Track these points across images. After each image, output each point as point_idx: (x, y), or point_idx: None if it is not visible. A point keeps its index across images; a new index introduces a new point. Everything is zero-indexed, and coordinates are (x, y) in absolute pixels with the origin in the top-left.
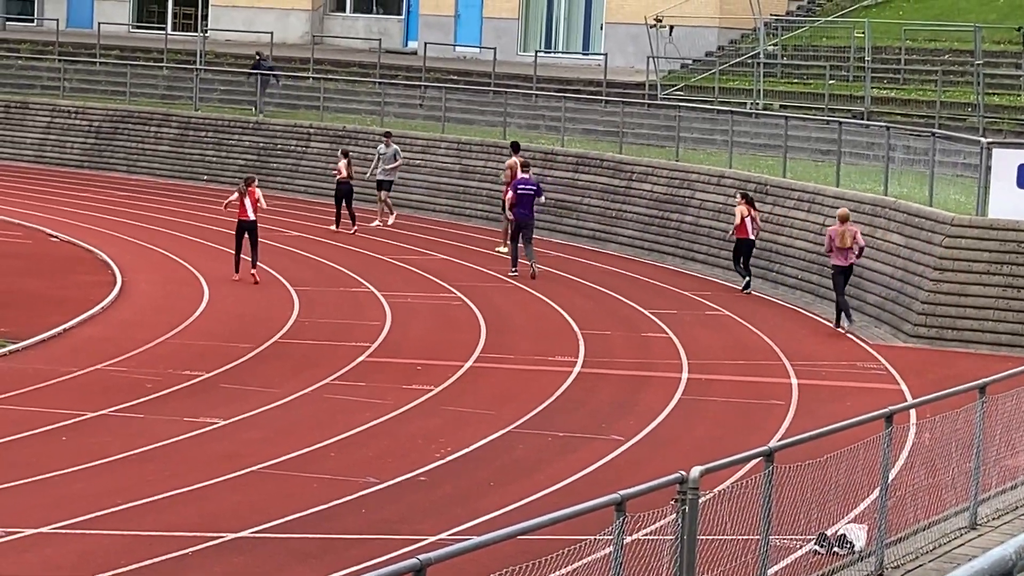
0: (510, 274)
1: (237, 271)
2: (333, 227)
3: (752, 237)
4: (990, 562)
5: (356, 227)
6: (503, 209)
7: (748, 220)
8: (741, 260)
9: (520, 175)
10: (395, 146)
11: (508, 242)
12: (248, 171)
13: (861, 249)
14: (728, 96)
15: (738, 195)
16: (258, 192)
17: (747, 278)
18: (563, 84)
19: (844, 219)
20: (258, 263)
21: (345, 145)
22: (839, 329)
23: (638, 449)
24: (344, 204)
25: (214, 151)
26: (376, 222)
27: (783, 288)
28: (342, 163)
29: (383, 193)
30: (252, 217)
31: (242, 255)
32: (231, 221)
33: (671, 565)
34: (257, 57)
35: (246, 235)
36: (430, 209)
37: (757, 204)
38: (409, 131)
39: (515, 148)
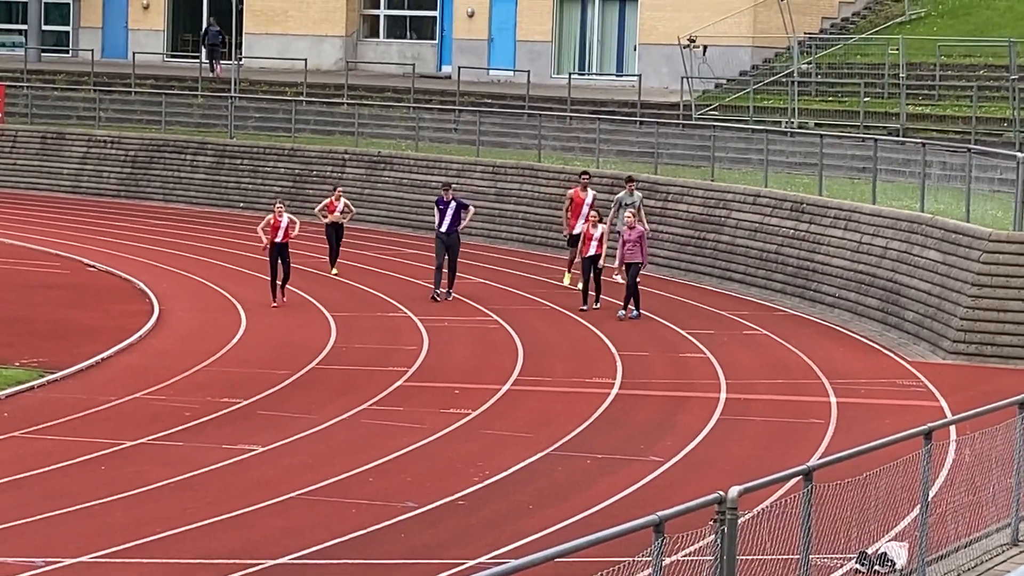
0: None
1: (274, 298)
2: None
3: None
4: None
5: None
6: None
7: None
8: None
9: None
10: (639, 193)
11: (571, 271)
12: (284, 197)
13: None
14: (763, 115)
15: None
16: (286, 218)
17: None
18: (597, 106)
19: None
20: (287, 286)
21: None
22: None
23: (677, 470)
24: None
25: (250, 178)
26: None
27: (820, 306)
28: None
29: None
30: (282, 240)
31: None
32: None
33: None
34: (207, 25)
35: (279, 259)
36: (466, 233)
37: (792, 222)
38: (444, 155)
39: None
